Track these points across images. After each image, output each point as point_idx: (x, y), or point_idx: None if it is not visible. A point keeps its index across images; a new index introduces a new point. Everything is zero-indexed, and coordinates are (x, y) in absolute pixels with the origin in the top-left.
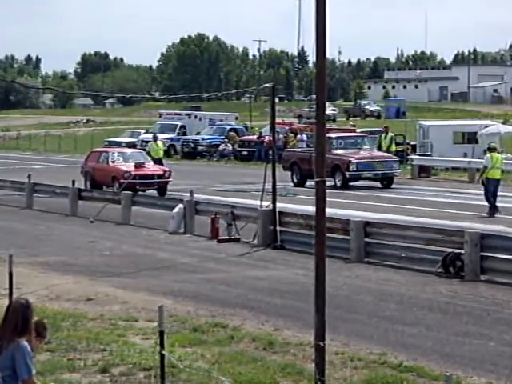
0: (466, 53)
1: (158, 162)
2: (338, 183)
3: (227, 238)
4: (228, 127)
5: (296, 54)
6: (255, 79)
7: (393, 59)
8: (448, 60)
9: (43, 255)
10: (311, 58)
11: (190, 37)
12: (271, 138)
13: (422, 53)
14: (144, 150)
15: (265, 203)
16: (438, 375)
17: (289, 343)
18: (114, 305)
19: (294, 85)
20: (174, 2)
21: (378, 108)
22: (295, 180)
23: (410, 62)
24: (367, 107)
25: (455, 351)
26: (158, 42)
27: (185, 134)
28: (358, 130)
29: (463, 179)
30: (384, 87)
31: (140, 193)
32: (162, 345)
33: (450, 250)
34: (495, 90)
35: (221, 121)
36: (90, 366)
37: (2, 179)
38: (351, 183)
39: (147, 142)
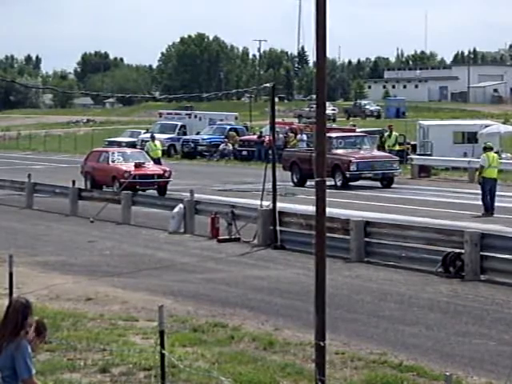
0: (466, 53)
1: (156, 161)
2: (338, 183)
3: (227, 237)
4: (228, 127)
5: (296, 53)
6: (255, 79)
7: (393, 59)
8: (448, 60)
9: (43, 255)
10: (311, 57)
11: (190, 36)
12: (271, 138)
13: (422, 53)
14: (142, 149)
15: (265, 203)
16: (438, 375)
17: (289, 343)
18: (114, 304)
19: (294, 85)
20: (174, 1)
21: (378, 108)
22: (295, 180)
23: (410, 62)
24: (367, 107)
25: (455, 351)
26: (157, 41)
27: (185, 133)
28: (357, 130)
29: (463, 179)
30: (384, 87)
31: (140, 193)
32: (162, 345)
33: (450, 250)
34: (495, 90)
35: (221, 121)
36: (89, 365)
37: (2, 179)
38: (351, 183)
39: (147, 141)
